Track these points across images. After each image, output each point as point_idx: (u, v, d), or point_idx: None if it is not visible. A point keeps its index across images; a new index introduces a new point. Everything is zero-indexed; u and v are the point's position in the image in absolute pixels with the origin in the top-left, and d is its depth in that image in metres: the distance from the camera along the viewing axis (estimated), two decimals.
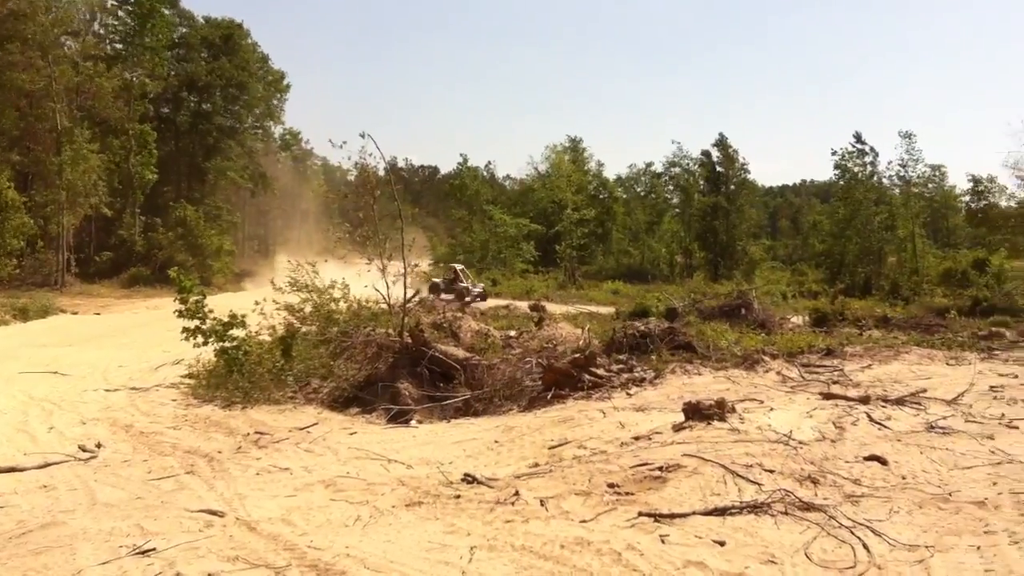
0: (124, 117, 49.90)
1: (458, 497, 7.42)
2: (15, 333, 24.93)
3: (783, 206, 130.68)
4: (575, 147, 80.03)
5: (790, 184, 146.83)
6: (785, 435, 9.13)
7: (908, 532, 6.16)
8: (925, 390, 12.21)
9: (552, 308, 31.77)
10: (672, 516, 6.55)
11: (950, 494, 7.07)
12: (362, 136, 15.21)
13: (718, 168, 72.19)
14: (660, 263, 74.66)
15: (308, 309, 16.06)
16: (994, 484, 7.34)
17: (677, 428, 9.65)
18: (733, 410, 10.19)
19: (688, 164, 75.44)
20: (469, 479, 7.96)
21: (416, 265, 16.02)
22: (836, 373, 14.18)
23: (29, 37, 42.70)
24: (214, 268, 51.82)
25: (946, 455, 8.42)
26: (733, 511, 6.62)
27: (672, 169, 77.14)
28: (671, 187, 78.71)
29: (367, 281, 15.19)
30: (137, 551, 6.11)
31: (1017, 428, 9.74)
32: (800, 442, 8.91)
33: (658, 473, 7.69)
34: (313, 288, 16.48)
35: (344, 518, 6.94)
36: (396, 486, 7.90)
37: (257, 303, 15.02)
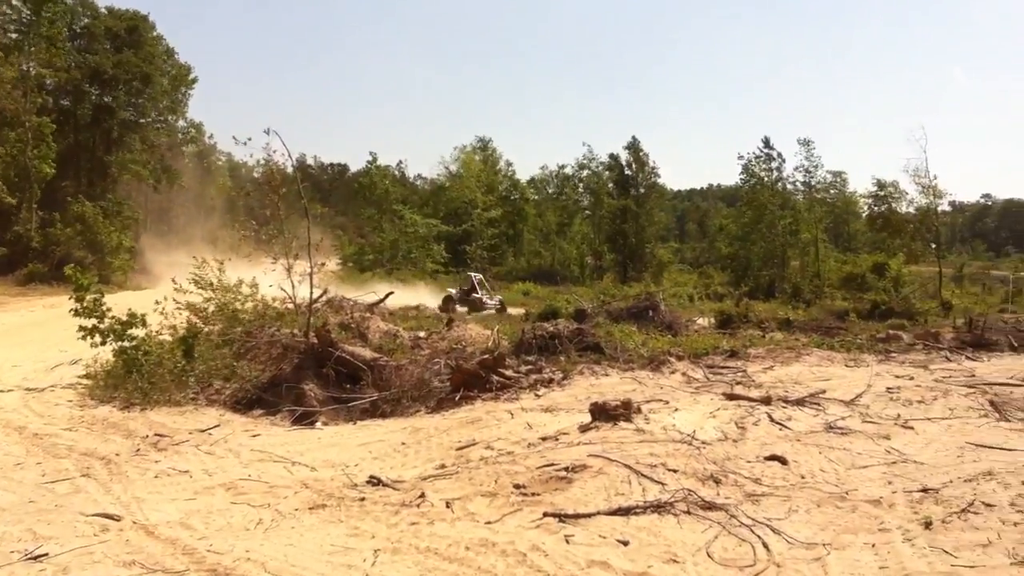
0: (20, 109, 48.08)
1: (363, 500, 7.33)
2: None
3: (691, 210, 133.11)
4: (485, 147, 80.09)
5: (698, 188, 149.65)
6: (689, 435, 9.25)
7: (806, 530, 6.28)
8: (824, 391, 12.50)
9: (462, 308, 31.73)
10: (577, 516, 6.55)
11: (847, 493, 7.23)
12: (267, 133, 14.92)
13: (628, 171, 73.09)
14: (571, 265, 75.21)
15: (211, 308, 15.69)
16: (889, 483, 7.54)
17: (584, 429, 9.69)
18: (639, 411, 10.29)
19: (597, 167, 76.26)
20: (374, 481, 7.86)
21: (323, 264, 15.77)
22: (739, 374, 14.44)
23: None
24: (113, 265, 50.22)
25: (844, 455, 8.63)
26: (637, 511, 6.66)
27: (582, 172, 77.91)
28: (581, 189, 79.46)
29: (273, 280, 14.92)
30: (29, 557, 5.89)
31: (912, 428, 10.03)
32: (703, 442, 9.04)
33: (564, 473, 7.70)
34: (218, 287, 16.11)
35: (245, 521, 6.79)
36: (299, 489, 7.75)
37: (158, 302, 14.63)
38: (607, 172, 75.22)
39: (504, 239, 74.11)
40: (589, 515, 6.58)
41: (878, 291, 37.54)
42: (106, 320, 13.26)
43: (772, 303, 42.04)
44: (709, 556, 5.79)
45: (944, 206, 58.18)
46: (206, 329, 14.99)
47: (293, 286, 14.77)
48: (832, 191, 79.90)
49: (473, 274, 40.24)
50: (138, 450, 9.55)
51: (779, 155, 62.40)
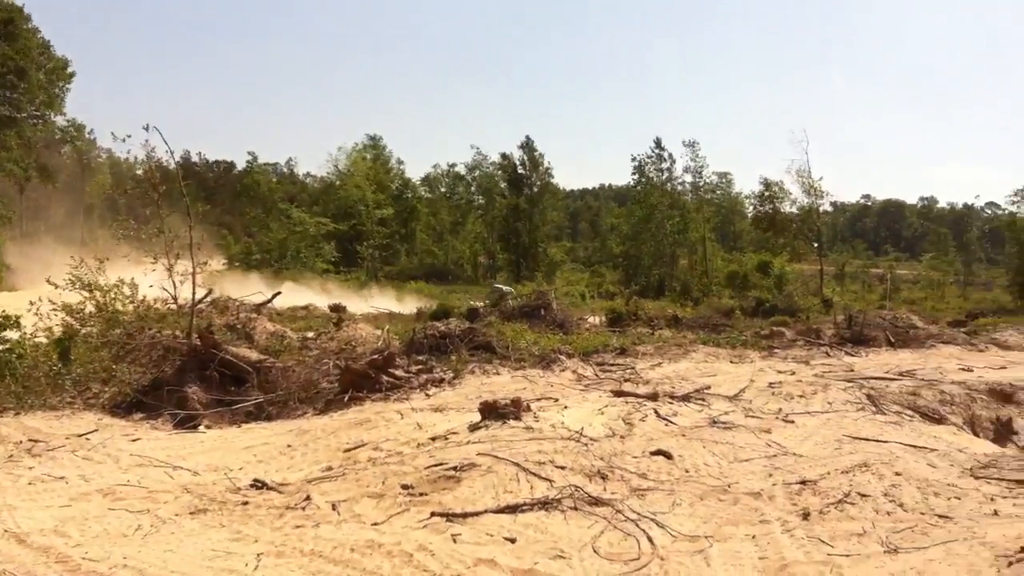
0: None
1: (246, 503, 7.17)
2: None
3: (583, 209, 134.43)
4: (376, 145, 79.35)
5: (591, 188, 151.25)
6: (577, 432, 9.34)
7: (690, 523, 6.41)
8: (710, 387, 12.81)
9: (354, 309, 31.33)
10: (465, 515, 6.54)
11: (729, 486, 7.41)
12: (146, 129, 14.41)
13: (521, 170, 73.38)
14: (464, 264, 75.20)
15: (89, 309, 15.14)
16: (770, 476, 7.75)
17: (473, 428, 9.69)
18: (528, 409, 10.34)
19: (489, 168, 76.45)
20: (259, 485, 7.70)
21: (205, 264, 15.36)
22: (628, 371, 14.66)
23: None
24: None
25: (727, 449, 8.84)
26: (525, 508, 6.70)
27: (475, 171, 78.00)
28: (473, 188, 79.56)
29: (153, 280, 14.47)
30: None
31: (792, 422, 10.35)
32: (591, 439, 9.14)
33: (453, 473, 7.68)
34: (96, 287, 15.55)
35: (123, 528, 6.55)
36: (180, 494, 7.52)
37: (32, 303, 14.04)
38: (499, 171, 75.37)
39: (397, 238, 73.54)
40: (477, 513, 6.58)
41: (762, 289, 38.49)
42: None
43: (662, 301, 42.80)
44: (595, 551, 5.85)
45: (826, 206, 60.09)
46: (83, 331, 14.44)
47: (175, 286, 14.35)
48: (718, 192, 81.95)
49: (501, 286, 38.89)
50: (11, 456, 9.11)
51: (670, 156, 63.63)
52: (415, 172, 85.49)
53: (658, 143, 63.62)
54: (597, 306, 34.01)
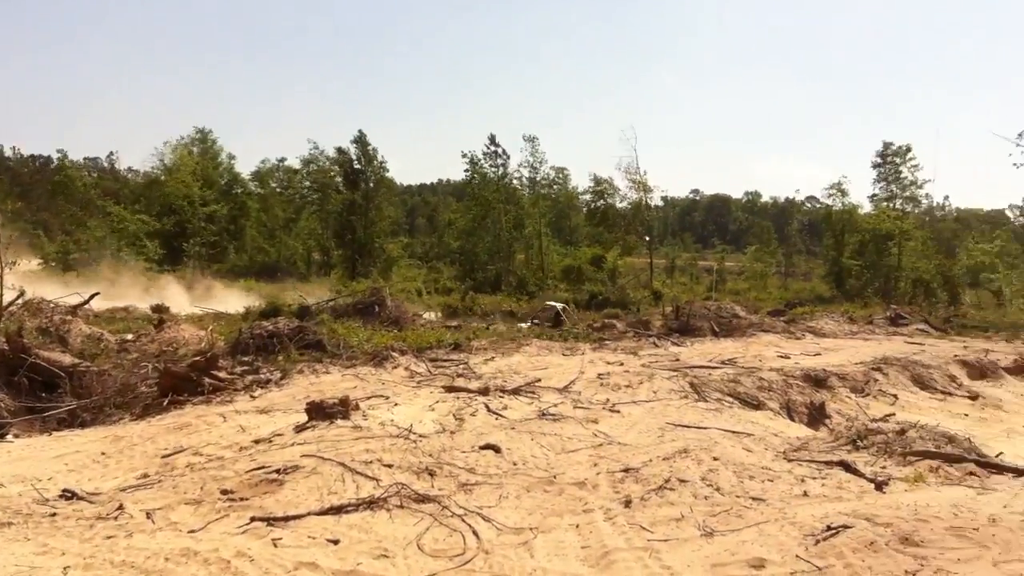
0: None
1: (54, 515, 6.75)
2: None
3: (420, 204, 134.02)
4: (204, 139, 76.64)
5: (428, 183, 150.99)
6: (406, 429, 9.26)
7: (515, 516, 6.43)
8: (540, 380, 12.95)
9: (178, 309, 30.19)
10: (287, 519, 6.36)
11: (555, 477, 7.50)
12: None
13: (356, 165, 72.44)
14: (297, 261, 73.61)
15: None
16: (595, 465, 7.89)
17: (299, 429, 9.46)
18: (357, 407, 10.19)
19: (323, 163, 75.21)
20: (68, 495, 7.29)
21: (14, 263, 14.47)
22: (462, 366, 14.68)
23: None
24: None
25: (555, 440, 8.95)
26: (349, 508, 6.57)
27: (310, 165, 76.58)
28: (307, 184, 78.11)
29: None
30: None
31: (619, 412, 10.59)
32: (421, 435, 9.08)
33: (275, 476, 7.47)
34: None
35: None
36: None
37: None
38: (335, 167, 74.15)
39: (226, 235, 71.24)
40: (299, 516, 6.41)
41: (596, 282, 39.34)
42: None
43: (498, 296, 43.16)
44: (420, 548, 5.79)
45: (656, 201, 61.99)
46: None
47: None
48: (555, 187, 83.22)
49: (555, 303, 36.02)
50: None
51: (504, 152, 64.07)
52: (249, 167, 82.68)
53: (492, 140, 63.98)
54: (433, 302, 34.02)
